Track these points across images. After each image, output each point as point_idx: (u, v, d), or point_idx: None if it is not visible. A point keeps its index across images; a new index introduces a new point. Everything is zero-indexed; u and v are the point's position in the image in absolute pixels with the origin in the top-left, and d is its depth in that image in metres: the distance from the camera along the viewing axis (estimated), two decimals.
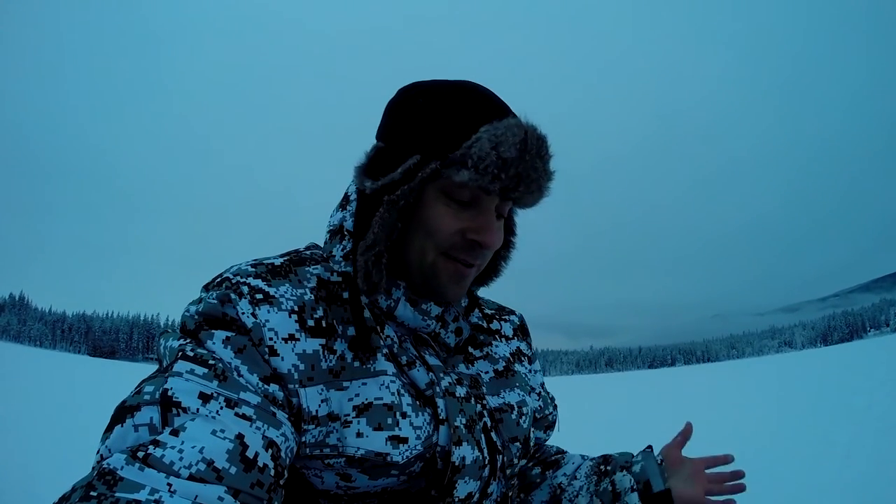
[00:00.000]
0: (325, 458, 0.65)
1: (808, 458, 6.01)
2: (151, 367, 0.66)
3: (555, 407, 1.00)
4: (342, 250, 0.74)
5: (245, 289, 0.64)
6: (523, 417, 0.81)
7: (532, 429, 0.88)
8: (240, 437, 0.54)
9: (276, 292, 0.66)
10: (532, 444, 0.88)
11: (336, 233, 0.75)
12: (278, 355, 0.62)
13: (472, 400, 0.74)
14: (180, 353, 0.59)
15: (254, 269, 0.68)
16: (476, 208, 0.71)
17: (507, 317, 0.95)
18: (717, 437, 8.04)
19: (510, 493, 0.80)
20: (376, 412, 0.66)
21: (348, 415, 0.65)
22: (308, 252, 0.76)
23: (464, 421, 0.71)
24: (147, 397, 0.55)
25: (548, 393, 0.99)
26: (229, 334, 0.61)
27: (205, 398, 0.55)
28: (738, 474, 0.93)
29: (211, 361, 0.58)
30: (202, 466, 0.50)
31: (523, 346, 0.93)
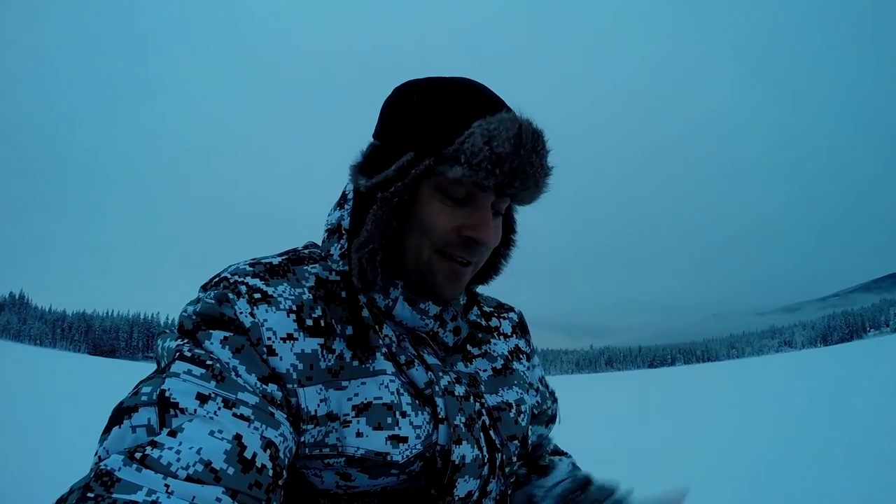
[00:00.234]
0: (325, 458, 0.65)
1: (808, 459, 6.01)
2: (152, 366, 0.67)
3: (554, 400, 1.00)
4: (340, 249, 0.74)
5: (243, 288, 0.64)
6: (521, 415, 0.82)
7: (531, 425, 0.88)
8: (238, 437, 0.53)
9: (274, 292, 0.66)
10: (532, 440, 0.88)
11: (334, 231, 0.75)
12: (277, 355, 0.62)
13: (471, 399, 0.74)
14: (178, 354, 0.59)
15: (252, 269, 0.67)
16: (472, 205, 0.70)
17: (505, 314, 0.95)
18: (717, 437, 8.08)
19: (509, 491, 0.80)
20: (376, 411, 0.65)
21: (347, 414, 0.64)
22: (306, 251, 0.76)
23: (463, 420, 0.71)
24: (144, 398, 0.54)
25: (547, 387, 0.98)
26: (227, 334, 0.61)
27: (202, 399, 0.55)
28: None
29: (209, 362, 0.58)
30: (200, 467, 0.50)
31: (522, 344, 0.93)
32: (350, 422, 0.64)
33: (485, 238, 0.69)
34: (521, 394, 0.83)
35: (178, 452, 0.50)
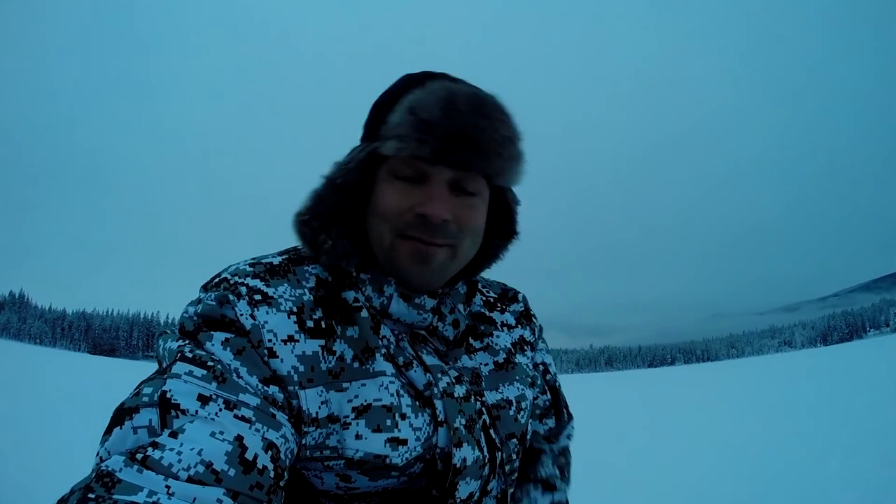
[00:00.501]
0: (325, 461, 0.65)
1: (808, 458, 6.00)
2: (151, 365, 0.66)
3: (545, 392, 0.95)
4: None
5: (243, 290, 0.64)
6: (521, 413, 0.81)
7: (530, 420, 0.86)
8: (239, 438, 0.53)
9: (274, 293, 0.65)
10: (529, 435, 0.86)
11: None
12: (277, 357, 0.62)
13: (472, 398, 0.73)
14: (179, 355, 0.59)
15: (252, 269, 0.67)
16: (426, 183, 0.69)
17: (509, 304, 0.93)
18: (717, 437, 8.07)
19: (510, 490, 0.79)
20: (375, 414, 0.65)
21: (347, 416, 0.64)
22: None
23: (463, 422, 0.70)
24: (146, 399, 0.54)
25: (546, 371, 0.94)
26: (228, 336, 0.61)
27: (203, 400, 0.55)
28: None
29: (210, 363, 0.58)
30: (201, 468, 0.49)
31: (526, 333, 0.91)
32: (350, 424, 0.64)
33: (431, 211, 0.67)
34: (523, 389, 0.82)
35: (179, 453, 0.50)
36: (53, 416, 8.96)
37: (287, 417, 0.60)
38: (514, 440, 0.79)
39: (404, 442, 0.66)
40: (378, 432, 0.64)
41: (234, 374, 0.58)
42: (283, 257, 0.73)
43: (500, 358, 0.82)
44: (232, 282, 0.65)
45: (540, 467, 0.93)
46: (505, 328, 0.87)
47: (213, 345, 0.60)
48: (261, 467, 0.53)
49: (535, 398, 0.91)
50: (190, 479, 0.49)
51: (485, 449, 0.72)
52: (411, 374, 0.70)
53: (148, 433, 0.52)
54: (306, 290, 0.68)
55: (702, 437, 8.28)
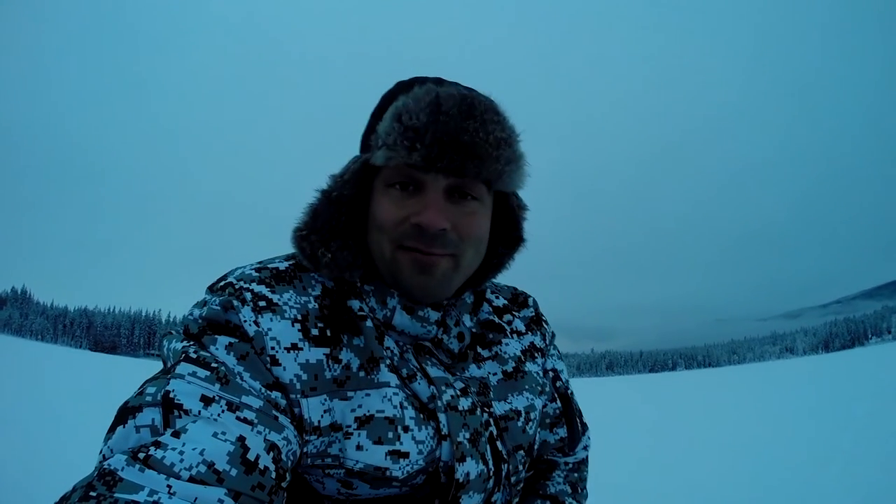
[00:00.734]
0: (326, 468, 0.64)
1: (809, 465, 5.98)
2: (153, 363, 0.64)
3: (554, 399, 0.91)
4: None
5: (248, 295, 0.64)
6: (530, 423, 0.79)
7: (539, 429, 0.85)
8: (241, 439, 0.53)
9: (279, 299, 0.65)
10: (538, 446, 0.84)
11: None
12: (280, 365, 0.61)
13: (478, 410, 0.72)
14: (183, 356, 0.59)
15: (258, 275, 0.67)
16: (422, 192, 0.68)
17: (520, 310, 0.91)
18: (718, 443, 8.04)
19: (515, 501, 0.78)
20: (377, 425, 0.64)
21: (350, 426, 0.64)
22: None
23: (467, 436, 0.69)
24: (149, 399, 0.55)
25: (556, 378, 0.91)
26: (232, 341, 0.60)
27: (206, 401, 0.55)
28: None
29: (214, 365, 0.58)
30: (203, 468, 0.50)
31: (537, 340, 0.89)
32: (351, 434, 0.63)
33: (425, 220, 0.65)
34: (532, 399, 0.81)
35: (181, 453, 0.50)
36: (54, 414, 8.97)
37: (290, 421, 0.60)
38: (522, 452, 0.77)
39: (405, 455, 0.65)
40: (379, 444, 0.64)
41: (238, 378, 0.58)
42: (290, 263, 0.72)
43: (509, 367, 0.81)
44: (237, 287, 0.64)
45: (549, 483, 0.90)
46: (515, 335, 0.86)
47: (216, 348, 0.60)
48: (262, 468, 0.53)
49: (543, 406, 0.88)
50: (192, 479, 0.49)
51: (490, 462, 0.71)
52: (415, 385, 0.69)
53: (150, 432, 0.53)
54: (311, 298, 0.68)
55: (703, 442, 8.24)
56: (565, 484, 0.91)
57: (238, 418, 0.55)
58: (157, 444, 0.50)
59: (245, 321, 0.62)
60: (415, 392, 0.69)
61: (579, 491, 0.92)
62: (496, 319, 0.85)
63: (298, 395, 0.62)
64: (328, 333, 0.66)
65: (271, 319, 0.63)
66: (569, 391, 0.92)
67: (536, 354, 0.87)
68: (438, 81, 0.72)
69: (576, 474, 0.94)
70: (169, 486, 0.47)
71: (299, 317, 0.65)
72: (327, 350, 0.65)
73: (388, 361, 0.68)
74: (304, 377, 0.62)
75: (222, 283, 0.66)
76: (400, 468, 0.64)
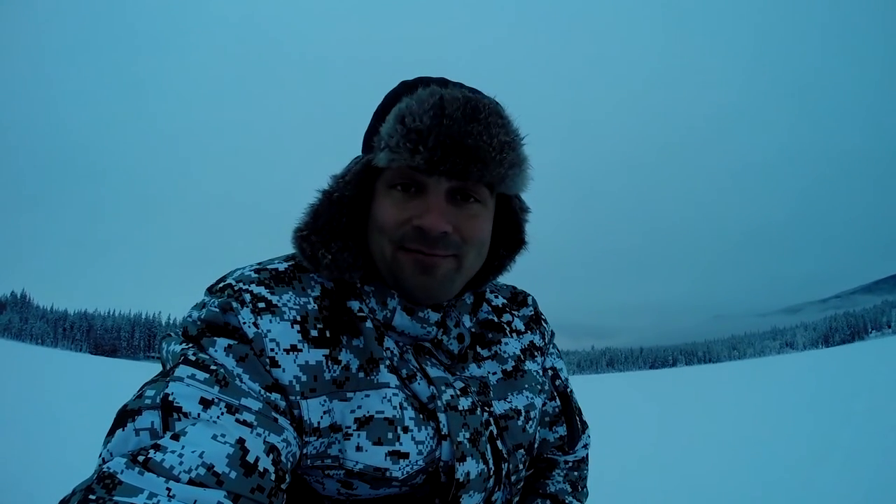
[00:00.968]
0: (326, 469, 0.64)
1: (809, 460, 5.98)
2: (153, 366, 0.63)
3: (554, 398, 0.91)
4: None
5: (247, 297, 0.63)
6: (530, 422, 0.79)
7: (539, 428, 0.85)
8: (240, 441, 0.53)
9: (278, 301, 0.65)
10: (537, 444, 0.85)
11: None
12: (279, 367, 0.61)
13: (478, 410, 0.72)
14: (182, 358, 0.59)
15: (257, 276, 0.66)
16: (424, 194, 0.68)
17: (519, 309, 0.91)
18: (719, 439, 8.05)
19: (515, 499, 0.78)
20: (377, 426, 0.64)
21: (349, 427, 0.64)
22: None
23: (467, 435, 0.69)
24: (148, 401, 0.55)
25: (555, 376, 0.91)
26: (231, 342, 0.60)
27: (206, 403, 0.55)
28: None
29: (213, 367, 0.58)
30: (202, 471, 0.50)
31: (536, 339, 0.89)
32: (351, 435, 0.63)
33: (432, 224, 0.65)
34: (532, 398, 0.81)
35: (180, 456, 0.50)
36: (54, 417, 8.96)
37: (289, 422, 0.60)
38: (522, 450, 0.77)
39: (405, 455, 0.65)
40: (379, 445, 0.64)
41: (237, 380, 0.58)
42: (290, 264, 0.71)
43: (509, 366, 0.81)
44: (236, 288, 0.64)
45: (549, 482, 0.90)
46: (514, 334, 0.86)
47: (216, 350, 0.60)
48: (262, 470, 0.53)
49: (543, 405, 0.88)
50: (191, 482, 0.49)
51: (490, 461, 0.71)
52: (415, 386, 0.69)
53: (150, 435, 0.53)
54: (311, 299, 0.67)
55: (703, 438, 8.25)
56: (565, 482, 0.91)
57: (237, 420, 0.55)
58: (157, 447, 0.50)
59: (244, 323, 0.61)
60: (414, 392, 0.69)
61: (579, 489, 0.92)
62: (495, 319, 0.85)
63: (298, 397, 0.62)
64: (327, 334, 0.66)
65: (270, 321, 0.63)
66: (568, 390, 0.92)
67: (536, 353, 0.87)
68: (442, 82, 0.72)
69: (576, 473, 0.94)
70: (168, 489, 0.47)
71: (298, 318, 0.65)
72: (327, 351, 0.65)
73: (387, 362, 0.68)
74: (304, 378, 0.62)
75: (221, 285, 0.66)
76: (400, 468, 0.65)
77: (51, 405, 10.46)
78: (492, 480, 0.71)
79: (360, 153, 0.76)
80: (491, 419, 0.74)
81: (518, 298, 0.93)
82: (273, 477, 0.54)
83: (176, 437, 0.52)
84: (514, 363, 0.82)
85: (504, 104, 0.72)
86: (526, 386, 0.81)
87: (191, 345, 0.61)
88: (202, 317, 0.63)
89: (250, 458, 0.53)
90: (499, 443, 0.73)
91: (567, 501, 0.88)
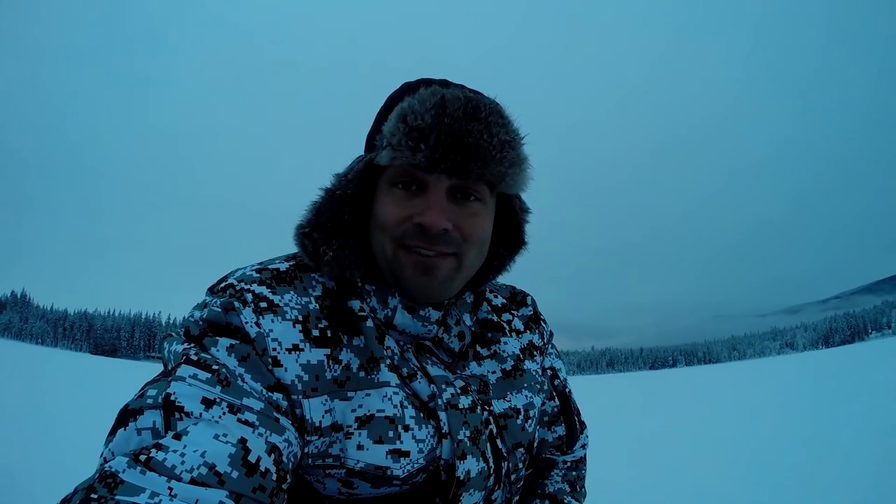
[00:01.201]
0: (327, 468, 0.65)
1: (809, 460, 5.98)
2: (153, 365, 0.64)
3: (552, 397, 0.92)
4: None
5: (249, 297, 0.64)
6: (529, 421, 0.80)
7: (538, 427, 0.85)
8: (242, 441, 0.53)
9: (280, 300, 0.65)
10: (536, 444, 0.85)
11: None
12: (281, 366, 0.61)
13: (478, 408, 0.72)
14: (184, 358, 0.59)
15: (258, 276, 0.67)
16: (425, 192, 0.68)
17: (518, 308, 0.92)
18: (719, 439, 8.04)
19: (515, 498, 0.79)
20: (378, 425, 0.65)
21: (350, 426, 0.64)
22: None
23: (468, 433, 0.69)
24: (150, 401, 0.55)
25: (554, 376, 0.91)
26: (233, 342, 0.60)
27: (207, 403, 0.55)
28: None
29: (214, 367, 0.58)
30: (204, 470, 0.50)
31: (535, 338, 0.89)
32: (352, 434, 0.64)
33: (432, 222, 0.66)
34: (531, 397, 0.81)
35: (182, 455, 0.50)
36: (54, 417, 8.95)
37: (291, 422, 0.60)
38: (521, 449, 0.78)
39: (406, 454, 0.65)
40: (379, 444, 0.64)
41: (239, 379, 0.58)
42: (291, 263, 0.72)
43: (508, 365, 0.81)
44: (238, 288, 0.64)
45: (548, 482, 0.90)
46: (514, 333, 0.86)
47: (217, 350, 0.60)
48: (263, 470, 0.53)
49: (542, 404, 0.89)
50: (193, 481, 0.49)
51: (490, 460, 0.71)
52: (415, 385, 0.69)
53: (152, 435, 0.53)
54: (312, 299, 0.68)
55: (704, 439, 8.25)
56: (564, 482, 0.91)
57: (239, 420, 0.55)
58: (159, 447, 0.51)
59: (246, 322, 0.62)
60: (415, 391, 0.69)
61: (578, 489, 0.92)
62: (495, 318, 0.85)
63: (300, 396, 0.62)
64: (329, 334, 0.66)
65: (272, 321, 0.63)
66: (567, 390, 0.92)
67: (535, 353, 0.87)
68: (444, 83, 0.73)
69: (574, 473, 0.94)
70: (170, 489, 0.48)
71: (300, 318, 0.65)
72: (328, 350, 0.65)
73: (388, 361, 0.69)
74: (306, 378, 0.63)
75: (223, 285, 0.66)
76: (401, 467, 0.65)
77: (51, 405, 10.46)
78: (492, 479, 0.71)
79: (362, 153, 0.76)
80: (491, 418, 0.74)
81: (517, 298, 0.94)
82: (275, 477, 0.55)
83: (178, 437, 0.52)
84: (513, 362, 0.82)
85: (504, 104, 0.72)
86: (525, 385, 0.81)
87: (193, 344, 0.62)
88: (204, 317, 0.63)
89: (252, 458, 0.53)
90: (499, 441, 0.74)
91: (566, 501, 0.88)
